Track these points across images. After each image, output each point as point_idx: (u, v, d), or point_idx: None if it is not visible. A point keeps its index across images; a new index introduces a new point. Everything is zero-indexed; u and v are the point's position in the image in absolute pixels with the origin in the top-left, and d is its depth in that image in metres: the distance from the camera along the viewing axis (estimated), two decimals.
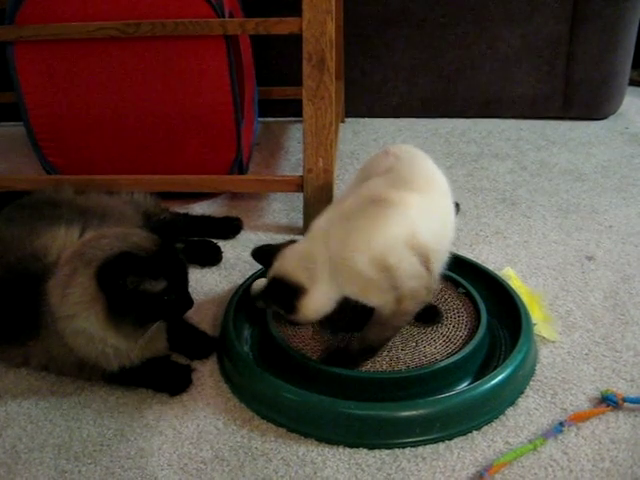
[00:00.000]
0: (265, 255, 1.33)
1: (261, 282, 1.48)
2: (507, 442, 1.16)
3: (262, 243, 1.78)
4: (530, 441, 1.15)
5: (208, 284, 1.64)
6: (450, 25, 2.51)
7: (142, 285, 1.19)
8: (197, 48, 1.81)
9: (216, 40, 1.79)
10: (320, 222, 1.27)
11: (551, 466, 1.10)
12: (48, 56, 1.87)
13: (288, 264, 1.25)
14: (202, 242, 1.77)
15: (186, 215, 1.88)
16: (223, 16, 1.78)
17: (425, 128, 2.57)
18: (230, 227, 1.85)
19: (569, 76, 2.54)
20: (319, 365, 1.27)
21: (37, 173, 2.12)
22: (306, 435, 1.19)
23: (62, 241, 1.35)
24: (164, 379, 1.32)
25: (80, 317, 1.20)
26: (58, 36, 1.79)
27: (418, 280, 1.20)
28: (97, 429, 1.24)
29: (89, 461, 1.17)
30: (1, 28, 1.82)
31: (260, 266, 1.58)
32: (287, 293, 1.23)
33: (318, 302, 1.24)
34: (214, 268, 1.71)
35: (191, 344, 1.41)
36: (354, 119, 2.65)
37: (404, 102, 2.65)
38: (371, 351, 1.28)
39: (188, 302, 1.28)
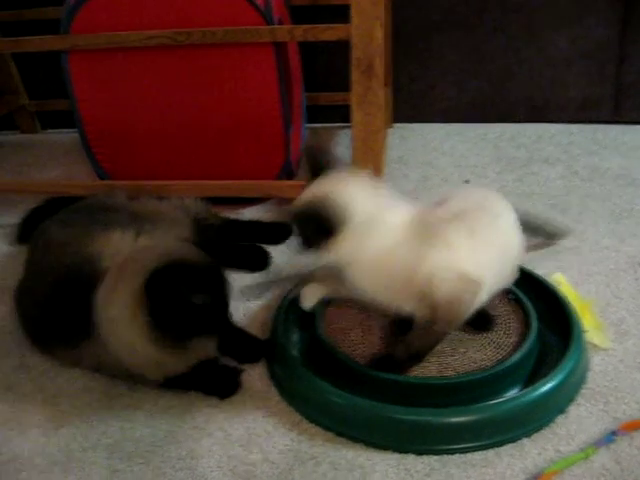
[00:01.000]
0: (318, 162, 1.26)
1: (311, 287, 1.49)
2: (558, 450, 1.14)
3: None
4: (581, 449, 1.13)
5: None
6: (499, 29, 2.49)
7: (190, 297, 1.17)
8: (246, 55, 1.83)
9: (265, 47, 1.81)
10: (407, 208, 1.24)
11: (603, 475, 1.09)
12: (101, 64, 1.92)
13: (356, 199, 1.18)
14: (251, 247, 1.78)
15: (236, 220, 1.90)
16: (272, 23, 1.80)
17: (474, 133, 2.55)
18: (280, 233, 1.86)
19: (620, 79, 2.50)
20: (368, 370, 1.27)
21: (90, 179, 2.16)
22: (354, 439, 1.19)
23: (116, 245, 1.37)
24: (214, 382, 1.34)
25: (123, 327, 1.19)
26: (111, 45, 1.82)
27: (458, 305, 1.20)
28: (148, 430, 1.26)
29: (141, 461, 1.20)
30: (56, 37, 1.87)
31: (309, 271, 1.59)
32: (330, 220, 1.16)
33: (348, 248, 1.19)
34: (264, 273, 1.73)
35: (241, 348, 1.42)
36: (402, 124, 2.65)
37: (452, 107, 2.64)
38: (417, 357, 1.27)
39: (225, 323, 1.28)
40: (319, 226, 1.18)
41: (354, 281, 1.24)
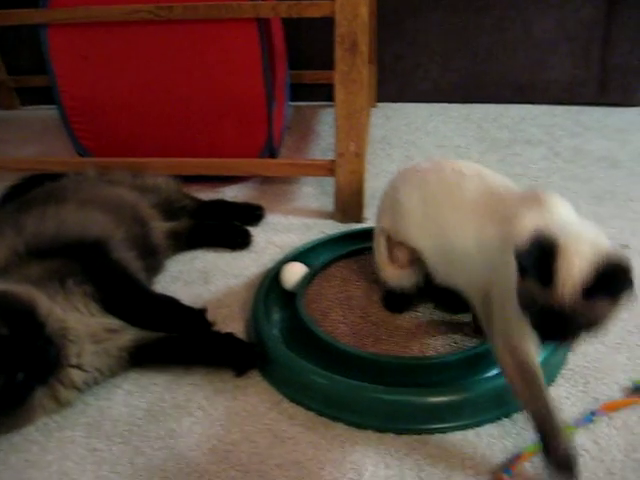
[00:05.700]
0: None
1: (291, 267, 1.48)
2: None
3: (292, 226, 1.80)
4: None
5: (238, 267, 1.65)
6: (485, 9, 2.48)
7: None
8: (229, 31, 1.81)
9: (248, 23, 1.79)
10: None
11: (582, 456, 1.09)
12: (81, 39, 1.88)
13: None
14: (230, 226, 1.77)
15: (208, 202, 1.87)
16: None
17: (457, 113, 2.54)
18: (252, 215, 1.85)
19: (605, 61, 2.50)
20: (348, 349, 1.27)
21: (69, 155, 2.13)
22: (335, 419, 1.19)
23: None
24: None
25: None
26: (91, 19, 1.79)
27: None
28: (127, 409, 1.25)
29: (119, 440, 1.19)
30: (35, 11, 1.83)
31: (290, 251, 1.59)
32: (540, 251, 0.94)
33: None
34: (244, 252, 1.71)
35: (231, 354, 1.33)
36: (386, 104, 2.63)
37: (436, 87, 2.63)
38: None
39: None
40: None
41: None
